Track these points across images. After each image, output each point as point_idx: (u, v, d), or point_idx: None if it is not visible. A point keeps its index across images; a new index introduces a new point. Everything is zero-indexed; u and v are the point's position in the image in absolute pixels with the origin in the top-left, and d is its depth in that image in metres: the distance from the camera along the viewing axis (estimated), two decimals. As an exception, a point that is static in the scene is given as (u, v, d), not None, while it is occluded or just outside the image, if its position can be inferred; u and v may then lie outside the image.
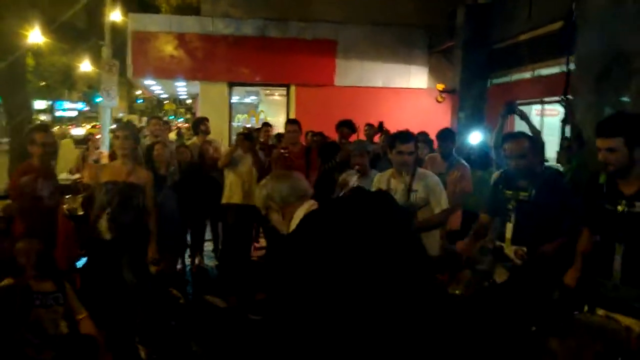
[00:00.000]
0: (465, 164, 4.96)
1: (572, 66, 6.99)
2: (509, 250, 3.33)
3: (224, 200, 5.87)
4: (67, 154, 4.49)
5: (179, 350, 4.17)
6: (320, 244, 1.75)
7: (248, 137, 5.78)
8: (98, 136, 9.83)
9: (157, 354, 3.98)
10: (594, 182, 2.73)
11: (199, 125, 6.61)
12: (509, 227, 3.35)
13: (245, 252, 6.01)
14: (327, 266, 1.71)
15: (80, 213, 4.69)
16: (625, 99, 5.85)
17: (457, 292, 3.06)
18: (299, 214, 1.99)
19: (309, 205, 2.01)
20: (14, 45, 8.50)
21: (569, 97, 6.73)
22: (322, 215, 1.93)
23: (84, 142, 6.50)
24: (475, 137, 6.01)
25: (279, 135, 7.10)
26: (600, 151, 2.59)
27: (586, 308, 2.62)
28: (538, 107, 8.60)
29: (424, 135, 6.41)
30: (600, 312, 2.57)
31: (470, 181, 4.77)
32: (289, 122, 5.73)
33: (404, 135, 3.77)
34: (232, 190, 5.82)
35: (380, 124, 7.04)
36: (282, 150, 5.39)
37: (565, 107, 5.62)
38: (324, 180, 5.20)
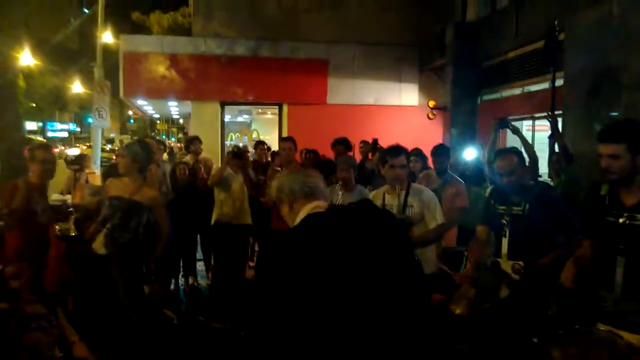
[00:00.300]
0: (460, 180, 4.96)
1: (560, 82, 7.11)
2: (506, 265, 3.31)
3: (214, 220, 5.81)
4: (58, 175, 4.47)
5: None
6: (316, 247, 1.71)
7: (238, 155, 5.75)
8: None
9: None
10: (596, 193, 2.68)
11: (189, 145, 6.60)
12: (504, 242, 3.34)
13: (238, 272, 5.94)
14: (319, 271, 1.66)
15: (73, 234, 4.63)
16: (614, 113, 5.93)
17: (457, 311, 3.00)
18: (304, 212, 1.96)
19: (314, 205, 1.98)
20: (5, 66, 8.49)
21: (556, 112, 6.80)
22: (324, 218, 1.87)
23: (76, 162, 6.42)
24: (469, 153, 6.05)
25: (274, 153, 7.08)
26: (602, 158, 2.54)
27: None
28: (529, 122, 8.70)
29: (417, 150, 6.45)
30: (602, 327, 2.54)
31: (465, 197, 4.76)
32: (284, 139, 5.69)
33: (395, 150, 3.76)
34: (222, 210, 5.77)
35: (375, 141, 7.06)
36: (278, 169, 5.35)
37: (550, 122, 5.65)
38: None
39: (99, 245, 3.93)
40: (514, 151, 3.48)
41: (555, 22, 6.72)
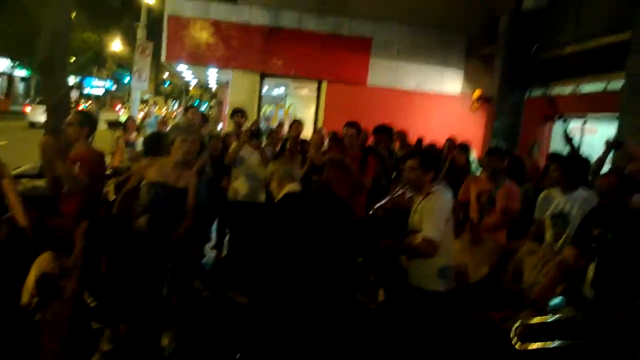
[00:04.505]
0: (514, 184, 4.72)
1: (617, 84, 6.76)
2: (589, 293, 3.10)
3: (230, 198, 5.76)
4: (100, 137, 4.44)
5: (205, 342, 4.10)
6: (288, 213, 3.01)
7: (255, 135, 5.68)
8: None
9: (185, 347, 3.91)
10: None
11: (233, 116, 6.48)
12: (591, 267, 3.12)
13: (250, 249, 5.85)
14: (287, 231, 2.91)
15: (112, 198, 4.62)
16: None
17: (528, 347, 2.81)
18: (285, 189, 3.07)
19: (290, 187, 3.08)
20: (56, 22, 8.44)
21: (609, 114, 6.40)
22: (296, 197, 3.07)
23: (118, 125, 6.41)
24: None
25: (303, 141, 6.78)
26: None
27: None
28: (577, 123, 8.33)
29: (462, 144, 6.32)
30: None
31: (518, 201, 4.54)
32: (348, 125, 5.19)
33: (409, 153, 3.83)
34: (237, 187, 5.73)
35: (418, 141, 6.87)
36: (340, 156, 5.04)
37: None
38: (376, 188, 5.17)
39: (143, 226, 3.77)
40: (616, 172, 3.30)
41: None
